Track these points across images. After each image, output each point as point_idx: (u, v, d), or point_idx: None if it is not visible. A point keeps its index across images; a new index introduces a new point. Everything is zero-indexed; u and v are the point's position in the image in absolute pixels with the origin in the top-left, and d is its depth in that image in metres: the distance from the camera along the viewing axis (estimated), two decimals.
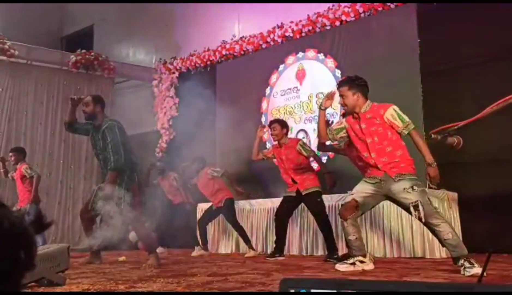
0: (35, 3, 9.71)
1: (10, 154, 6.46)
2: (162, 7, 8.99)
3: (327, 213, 5.13)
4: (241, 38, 7.74)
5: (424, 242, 4.98)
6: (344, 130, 3.71)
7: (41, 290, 2.67)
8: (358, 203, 3.50)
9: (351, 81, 3.61)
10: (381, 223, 5.25)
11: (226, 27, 8.14)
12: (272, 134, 5.15)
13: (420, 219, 3.27)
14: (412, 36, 5.75)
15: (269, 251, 5.81)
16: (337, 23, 6.58)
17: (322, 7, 6.70)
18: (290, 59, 7.10)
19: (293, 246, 5.86)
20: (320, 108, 3.89)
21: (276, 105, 7.20)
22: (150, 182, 6.69)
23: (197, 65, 8.32)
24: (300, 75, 6.99)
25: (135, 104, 8.56)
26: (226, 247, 6.64)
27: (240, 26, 8.07)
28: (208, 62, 8.15)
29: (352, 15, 6.40)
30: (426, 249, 4.95)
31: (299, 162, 4.97)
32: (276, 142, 5.19)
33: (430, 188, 4.12)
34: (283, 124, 5.16)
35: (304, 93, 6.89)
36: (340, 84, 3.69)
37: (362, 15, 6.34)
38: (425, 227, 4.90)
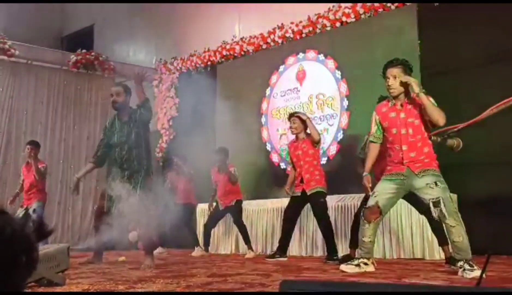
0: (36, 3, 9.72)
1: (29, 147, 6.28)
2: (162, 7, 9.00)
3: (330, 213, 5.14)
4: (241, 38, 7.75)
5: (424, 243, 4.99)
6: (380, 127, 3.57)
7: (41, 290, 2.67)
8: (381, 208, 3.45)
9: (405, 64, 3.40)
10: (380, 223, 5.25)
11: (226, 27, 8.14)
12: (291, 128, 5.04)
13: (438, 217, 3.22)
14: (412, 37, 5.75)
15: (268, 252, 5.82)
16: (338, 24, 6.59)
17: (323, 8, 6.71)
18: (290, 60, 7.11)
19: (292, 247, 5.86)
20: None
21: (276, 106, 7.20)
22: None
23: (197, 65, 8.33)
24: (300, 76, 6.99)
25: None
26: (225, 247, 6.65)
27: (241, 27, 8.08)
28: (209, 63, 8.16)
29: (352, 16, 6.41)
30: (426, 250, 4.96)
31: (311, 155, 4.94)
32: (294, 137, 5.14)
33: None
34: (300, 117, 5.09)
35: (304, 94, 6.90)
36: (391, 66, 3.42)
37: (363, 16, 6.35)
38: (424, 228, 4.94)
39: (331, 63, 6.62)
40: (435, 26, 5.71)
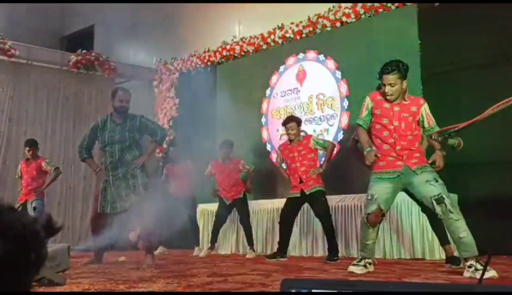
0: (36, 3, 9.72)
1: (27, 148, 6.29)
2: (162, 8, 9.00)
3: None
4: (241, 39, 7.75)
5: (424, 243, 4.99)
6: (371, 113, 3.51)
7: (41, 289, 2.67)
8: (383, 211, 3.44)
9: (400, 69, 3.36)
10: (380, 223, 5.25)
11: (226, 28, 8.14)
12: (289, 134, 5.02)
13: (442, 213, 3.19)
14: (412, 37, 5.75)
15: (268, 252, 5.81)
16: (338, 24, 6.59)
17: (323, 8, 6.71)
18: (291, 60, 7.11)
19: (293, 247, 5.86)
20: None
21: (277, 106, 7.20)
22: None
23: (198, 65, 8.33)
24: (301, 77, 7.00)
25: (135, 105, 8.54)
26: (225, 248, 6.65)
27: (241, 27, 8.08)
28: (209, 63, 8.16)
29: (352, 16, 6.41)
30: (426, 250, 4.96)
31: (310, 159, 4.95)
32: (286, 140, 5.14)
33: None
34: (299, 122, 5.10)
35: (305, 95, 6.90)
36: (386, 72, 3.39)
37: (363, 16, 6.35)
38: (425, 228, 4.94)
39: (331, 63, 6.63)
40: (436, 26, 5.71)
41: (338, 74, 6.52)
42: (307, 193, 4.86)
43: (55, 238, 7.57)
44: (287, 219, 5.05)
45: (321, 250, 5.63)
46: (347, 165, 5.85)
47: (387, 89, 3.39)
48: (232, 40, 7.88)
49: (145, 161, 4.29)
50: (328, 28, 6.70)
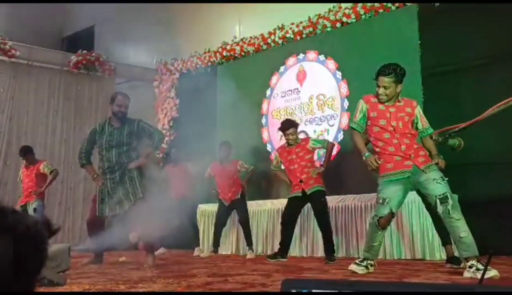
0: (37, 4, 9.72)
1: (23, 158, 6.35)
2: (163, 8, 9.00)
3: (330, 213, 5.12)
4: (241, 39, 7.75)
5: (424, 243, 4.99)
6: (366, 117, 3.52)
7: (41, 289, 2.67)
8: (394, 213, 3.43)
9: (396, 73, 3.40)
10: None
11: (227, 28, 8.14)
12: (289, 139, 5.04)
13: (444, 212, 3.19)
14: (412, 38, 5.75)
15: (269, 252, 5.81)
16: (338, 24, 6.59)
17: (323, 8, 6.71)
18: (291, 60, 7.11)
19: (293, 247, 5.86)
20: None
21: (277, 106, 7.20)
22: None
23: (198, 66, 8.33)
24: (301, 77, 6.99)
25: (136, 105, 8.55)
26: (226, 248, 6.64)
27: (241, 27, 8.08)
28: (209, 63, 8.16)
29: (353, 16, 6.41)
30: (426, 250, 4.96)
31: (307, 160, 4.96)
32: (285, 142, 5.14)
33: None
34: (297, 126, 5.13)
35: (305, 95, 6.90)
36: (383, 74, 3.42)
37: (363, 16, 6.35)
38: (425, 228, 4.94)
39: (331, 63, 6.62)
40: (436, 26, 5.71)
41: (339, 74, 6.52)
42: (308, 192, 4.87)
43: (56, 238, 7.58)
44: (289, 219, 5.05)
45: (321, 251, 5.62)
46: (348, 166, 5.85)
47: (381, 91, 3.42)
48: (233, 40, 7.88)
49: (142, 164, 4.28)
50: (329, 29, 6.70)
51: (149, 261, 4.17)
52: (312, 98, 6.81)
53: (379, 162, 3.42)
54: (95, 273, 3.59)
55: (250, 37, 7.62)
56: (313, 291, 0.76)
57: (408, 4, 5.93)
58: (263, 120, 7.34)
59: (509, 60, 5.22)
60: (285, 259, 4.98)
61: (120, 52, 9.76)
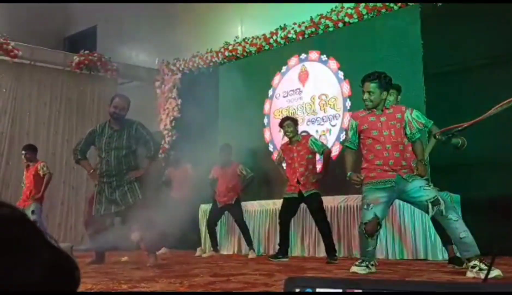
0: (39, 4, 9.74)
1: (24, 152, 6.38)
2: (165, 8, 9.00)
3: (332, 213, 5.11)
4: (243, 39, 7.75)
5: (427, 244, 4.98)
6: (357, 133, 3.58)
7: None
8: (380, 219, 3.44)
9: (380, 79, 3.45)
10: (383, 224, 5.23)
11: (229, 28, 8.14)
12: (286, 132, 5.07)
13: (438, 214, 3.20)
14: (415, 37, 5.75)
15: (271, 252, 5.81)
16: (340, 24, 6.59)
17: (325, 8, 6.71)
18: (293, 60, 7.11)
19: (295, 247, 5.85)
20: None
21: (279, 106, 7.20)
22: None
23: (200, 66, 8.33)
24: (303, 77, 6.99)
25: (138, 105, 8.55)
26: (227, 248, 6.64)
27: (243, 28, 8.08)
28: (211, 64, 8.17)
29: (355, 16, 6.41)
30: (429, 250, 4.95)
31: (308, 160, 4.95)
32: (288, 140, 5.14)
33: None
34: (295, 121, 5.14)
35: (307, 95, 6.89)
36: (367, 80, 3.48)
37: (365, 16, 6.35)
38: (427, 228, 4.93)
39: (333, 63, 6.62)
40: (438, 26, 5.70)
41: (341, 74, 6.52)
42: (305, 194, 4.88)
43: (58, 237, 7.60)
44: (284, 218, 5.06)
45: (323, 251, 5.61)
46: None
47: (366, 96, 3.49)
48: (235, 40, 7.88)
49: (140, 176, 4.28)
50: (331, 29, 6.69)
51: (151, 260, 4.18)
52: (314, 98, 6.80)
53: (361, 177, 3.51)
54: (97, 273, 3.59)
55: (252, 37, 7.62)
56: (317, 290, 0.75)
57: (410, 4, 5.92)
58: (265, 120, 7.34)
59: (511, 60, 5.20)
60: (287, 259, 4.98)
61: (122, 52, 9.78)
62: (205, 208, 6.89)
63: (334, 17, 6.59)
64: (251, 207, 6.44)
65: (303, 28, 6.97)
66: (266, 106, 7.36)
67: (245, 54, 7.72)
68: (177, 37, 8.96)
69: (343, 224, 5.62)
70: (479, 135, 4.25)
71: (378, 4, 6.17)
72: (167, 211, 6.13)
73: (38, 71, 8.17)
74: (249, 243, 5.81)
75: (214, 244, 6.05)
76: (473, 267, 3.09)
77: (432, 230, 4.81)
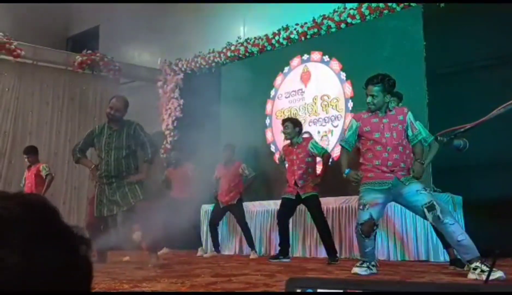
0: (41, 4, 9.76)
1: (26, 156, 6.42)
2: (167, 8, 9.02)
3: (333, 214, 5.10)
4: (246, 40, 7.75)
5: (428, 245, 4.98)
6: (356, 134, 3.59)
7: None
8: (375, 220, 3.44)
9: (384, 82, 3.45)
10: (384, 225, 5.24)
11: (231, 28, 8.15)
12: (284, 133, 5.09)
13: (434, 219, 3.20)
14: (417, 38, 5.74)
15: (272, 253, 5.81)
16: (343, 25, 6.59)
17: (328, 9, 6.71)
18: (295, 61, 7.11)
19: (296, 248, 5.85)
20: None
21: (281, 107, 7.20)
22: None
23: (202, 66, 8.34)
24: (305, 78, 6.99)
25: (140, 105, 8.58)
26: (229, 248, 6.64)
27: (245, 28, 8.08)
28: (213, 64, 8.17)
29: (357, 17, 6.41)
30: (430, 252, 4.94)
31: (307, 163, 4.95)
32: (288, 141, 5.14)
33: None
34: (295, 122, 5.10)
35: (309, 96, 6.89)
36: (371, 83, 3.48)
37: (368, 17, 6.34)
38: (429, 230, 4.92)
39: (336, 64, 6.62)
40: (441, 27, 5.70)
41: (343, 75, 6.51)
42: (303, 197, 4.88)
43: None
44: (282, 219, 5.07)
45: (325, 251, 5.62)
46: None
47: (369, 99, 3.50)
48: (237, 41, 7.88)
49: (141, 179, 4.29)
50: (333, 29, 6.69)
51: (153, 260, 4.18)
52: (316, 99, 6.80)
53: (360, 175, 3.52)
54: (99, 272, 3.60)
55: (255, 37, 7.62)
56: (318, 290, 0.75)
57: (412, 5, 5.92)
58: (267, 121, 7.34)
59: None
60: (288, 259, 4.97)
61: (124, 52, 9.80)
62: (207, 208, 6.90)
63: (336, 18, 6.59)
64: (252, 207, 6.44)
65: (305, 28, 6.97)
66: (268, 107, 7.36)
67: (247, 54, 7.72)
68: (180, 37, 8.98)
69: (344, 225, 5.62)
70: (482, 136, 4.24)
71: (381, 5, 6.17)
72: (168, 211, 6.15)
73: (40, 70, 8.19)
74: (251, 244, 5.81)
75: (216, 244, 6.05)
76: (474, 268, 3.08)
77: (434, 231, 4.81)
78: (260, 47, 7.54)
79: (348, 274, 3.52)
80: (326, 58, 6.74)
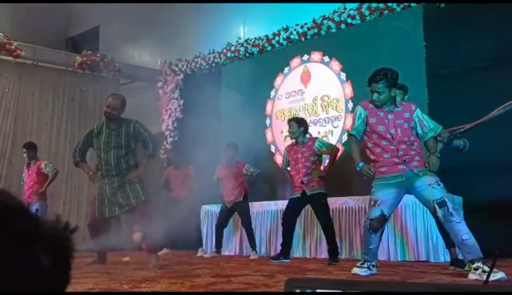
0: (42, 4, 9.77)
1: (25, 150, 6.41)
2: (167, 8, 9.02)
3: (334, 215, 5.09)
4: (246, 40, 7.75)
5: (428, 245, 4.97)
6: (364, 123, 3.52)
7: None
8: (387, 217, 3.42)
9: (387, 77, 3.40)
10: (385, 225, 5.23)
11: (231, 29, 8.15)
12: (288, 132, 5.07)
13: (444, 216, 3.17)
14: (417, 39, 5.74)
15: (272, 253, 5.80)
16: (343, 26, 6.59)
17: (328, 9, 6.71)
18: (295, 61, 7.11)
19: (296, 248, 5.85)
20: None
21: (281, 107, 7.20)
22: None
23: (202, 67, 8.34)
24: (305, 78, 6.99)
25: (140, 106, 8.58)
26: (229, 249, 6.64)
27: (246, 28, 8.08)
28: (213, 64, 8.18)
29: (357, 18, 6.41)
30: (430, 252, 4.94)
31: (313, 162, 4.93)
32: (294, 140, 5.12)
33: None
34: (300, 122, 5.05)
35: (309, 96, 6.89)
36: (374, 81, 3.43)
37: (368, 18, 6.34)
38: (429, 230, 4.92)
39: (336, 65, 6.62)
40: (441, 27, 5.69)
41: (343, 76, 6.51)
42: (308, 194, 4.85)
43: None
44: (288, 220, 5.05)
45: (325, 252, 5.61)
46: (352, 167, 5.81)
47: (375, 96, 3.45)
48: (237, 41, 7.88)
49: (141, 174, 4.29)
50: (333, 30, 6.70)
51: (153, 261, 4.18)
52: (316, 99, 6.80)
53: (374, 170, 3.46)
54: (98, 273, 3.59)
55: (255, 38, 7.62)
56: (317, 291, 0.75)
57: (413, 5, 5.92)
58: (267, 122, 7.34)
59: None
60: (288, 260, 4.97)
61: (124, 52, 9.80)
62: (207, 209, 6.90)
63: (336, 19, 6.60)
64: (253, 208, 6.43)
65: (305, 29, 6.97)
66: (268, 107, 7.36)
67: (247, 55, 7.72)
68: (180, 38, 8.98)
69: (345, 226, 5.61)
70: (482, 137, 4.24)
71: (381, 6, 6.17)
72: (168, 212, 6.16)
73: (40, 71, 8.19)
74: (252, 244, 5.80)
75: (218, 245, 6.03)
76: (476, 269, 3.08)
77: (434, 231, 4.80)
78: (260, 47, 7.54)
79: (348, 274, 3.51)
80: (326, 58, 6.74)
